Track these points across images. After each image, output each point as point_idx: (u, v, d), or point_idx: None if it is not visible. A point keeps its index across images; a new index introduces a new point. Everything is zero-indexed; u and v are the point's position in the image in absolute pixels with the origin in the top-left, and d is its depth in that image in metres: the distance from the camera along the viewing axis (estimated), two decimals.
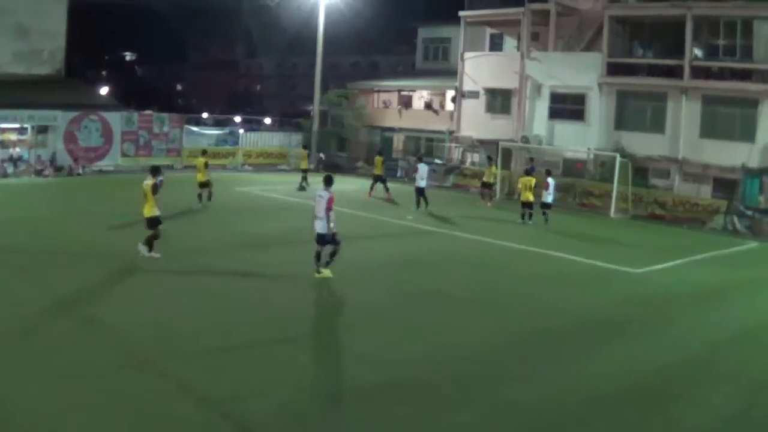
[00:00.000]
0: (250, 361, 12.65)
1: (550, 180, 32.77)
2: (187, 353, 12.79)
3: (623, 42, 42.86)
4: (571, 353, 14.40)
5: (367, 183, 38.40)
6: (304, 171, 39.89)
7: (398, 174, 48.59)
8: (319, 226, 18.46)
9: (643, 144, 39.93)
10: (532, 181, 31.80)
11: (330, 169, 49.06)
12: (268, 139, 52.56)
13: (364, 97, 59.14)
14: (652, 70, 40.66)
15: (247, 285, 18.23)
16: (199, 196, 30.13)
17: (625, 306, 18.62)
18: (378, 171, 38.18)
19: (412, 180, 36.79)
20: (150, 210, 20.02)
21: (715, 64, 38.38)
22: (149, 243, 20.07)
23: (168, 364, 12.21)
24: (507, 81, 46.75)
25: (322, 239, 18.53)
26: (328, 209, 18.25)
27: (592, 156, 41.58)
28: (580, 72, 42.41)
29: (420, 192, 33.21)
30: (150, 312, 15.12)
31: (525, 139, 44.49)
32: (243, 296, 17.02)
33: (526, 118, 45.57)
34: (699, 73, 38.70)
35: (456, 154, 49.02)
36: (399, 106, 57.21)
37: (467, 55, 49.72)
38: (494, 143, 45.11)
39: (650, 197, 37.57)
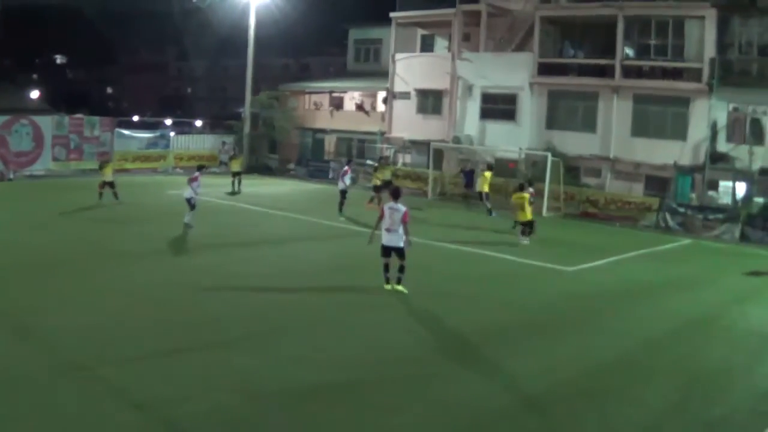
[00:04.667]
0: (184, 364, 12.34)
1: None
2: (121, 358, 12.34)
3: (554, 42, 41.83)
4: (504, 352, 14.11)
5: (299, 185, 37.16)
6: (237, 174, 38.35)
7: (330, 176, 47.00)
8: (388, 239, 17.79)
9: (574, 143, 39.10)
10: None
11: (261, 171, 48.44)
12: (200, 141, 50.64)
13: (296, 99, 57.16)
14: (584, 70, 39.78)
15: (179, 289, 17.52)
16: (100, 194, 31.13)
17: (559, 304, 18.39)
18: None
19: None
20: (525, 215, 25.82)
21: (646, 64, 37.61)
22: (528, 234, 25.97)
23: (102, 369, 11.80)
24: (438, 82, 45.46)
25: (389, 251, 17.93)
26: (405, 222, 17.69)
27: (523, 155, 40.48)
28: (511, 72, 41.34)
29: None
30: (82, 318, 14.59)
31: (456, 140, 43.24)
32: (175, 300, 16.48)
33: (458, 118, 44.35)
34: (630, 72, 37.99)
35: (388, 155, 47.68)
36: (330, 108, 55.48)
37: (398, 56, 48.26)
38: (426, 144, 43.92)
39: (582, 196, 36.56)
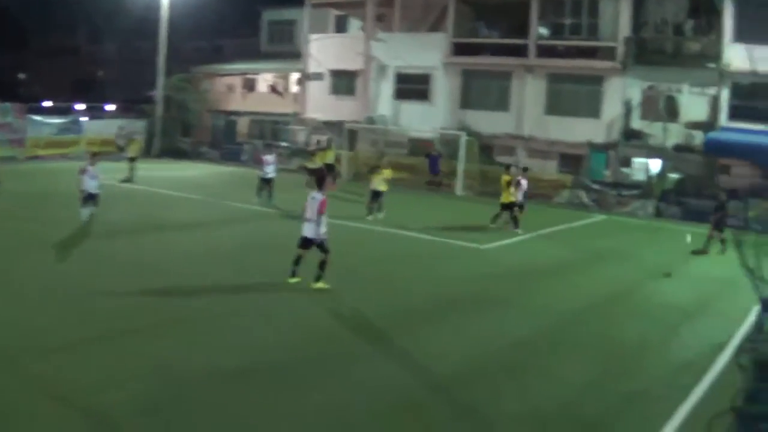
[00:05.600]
0: (101, 353, 11.78)
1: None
2: (38, 348, 11.74)
3: (468, 22, 40.91)
4: (422, 331, 13.86)
5: (212, 168, 35.74)
6: (133, 159, 34.40)
7: (243, 158, 45.74)
8: (308, 230, 16.03)
9: (488, 122, 38.40)
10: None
11: (175, 155, 46.70)
12: (112, 126, 47.67)
13: (209, 82, 54.86)
14: (498, 50, 38.89)
15: (92, 277, 16.44)
16: None
17: (474, 282, 18.09)
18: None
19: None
20: (508, 197, 24.96)
21: (560, 43, 36.90)
22: (516, 221, 25.15)
23: (19, 360, 11.27)
24: (352, 62, 44.14)
25: (309, 243, 16.13)
26: (321, 212, 15.90)
27: (437, 135, 39.75)
28: (425, 52, 40.50)
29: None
30: None
31: (370, 120, 42.14)
32: (88, 289, 15.34)
33: (372, 99, 43.10)
34: (544, 51, 37.32)
35: (302, 137, 46.51)
36: (243, 90, 53.99)
37: (312, 37, 46.81)
38: (340, 125, 42.63)
39: (496, 174, 35.97)
